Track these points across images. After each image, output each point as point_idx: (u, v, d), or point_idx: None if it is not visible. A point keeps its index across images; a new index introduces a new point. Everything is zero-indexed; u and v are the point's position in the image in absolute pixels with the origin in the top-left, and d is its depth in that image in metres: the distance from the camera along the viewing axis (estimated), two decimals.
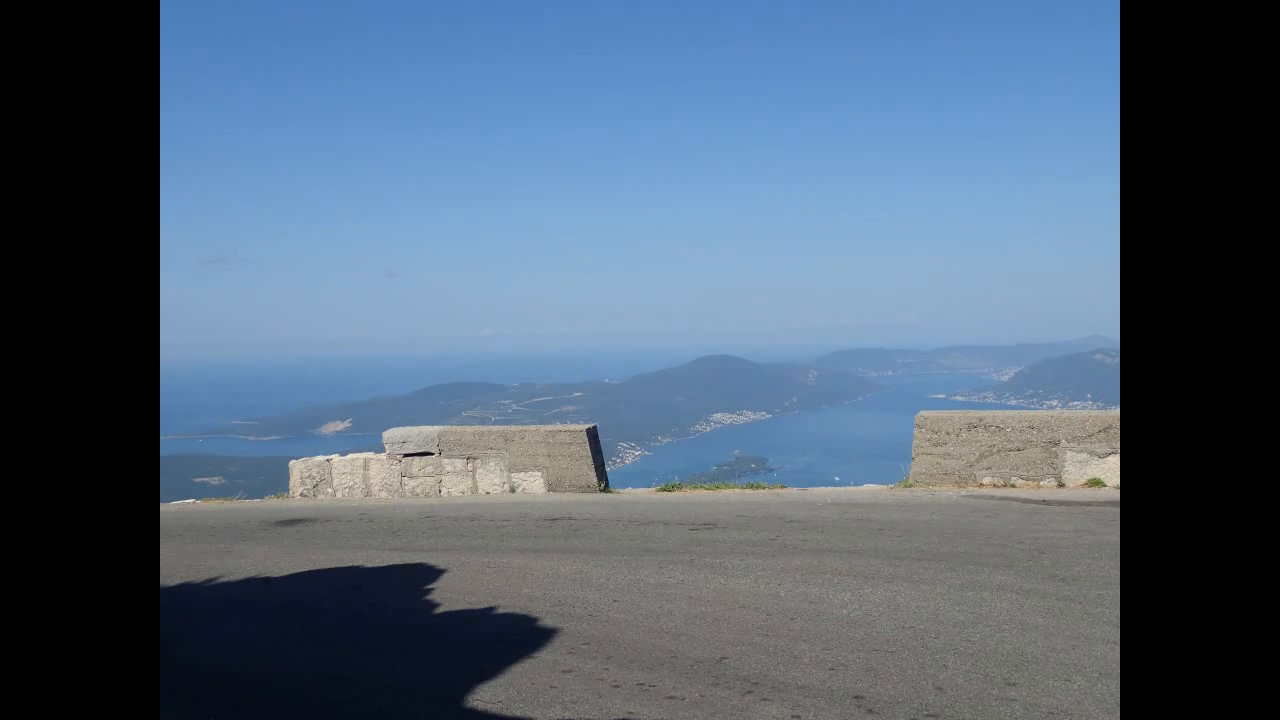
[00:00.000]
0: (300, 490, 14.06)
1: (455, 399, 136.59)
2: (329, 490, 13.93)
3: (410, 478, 13.66)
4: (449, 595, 7.13)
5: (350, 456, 14.07)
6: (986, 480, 11.66)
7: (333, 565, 8.46)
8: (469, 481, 13.51)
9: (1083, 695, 4.65)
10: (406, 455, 13.67)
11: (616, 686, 5.01)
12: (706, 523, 9.70)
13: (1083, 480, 11.25)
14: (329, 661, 5.66)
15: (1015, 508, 10.05)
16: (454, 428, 14.07)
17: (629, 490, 13.63)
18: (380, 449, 13.95)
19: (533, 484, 13.29)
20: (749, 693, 4.84)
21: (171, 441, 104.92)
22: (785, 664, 5.24)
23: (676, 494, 12.64)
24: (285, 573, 8.26)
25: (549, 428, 13.75)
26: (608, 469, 13.80)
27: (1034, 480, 11.50)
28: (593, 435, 13.38)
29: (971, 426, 11.84)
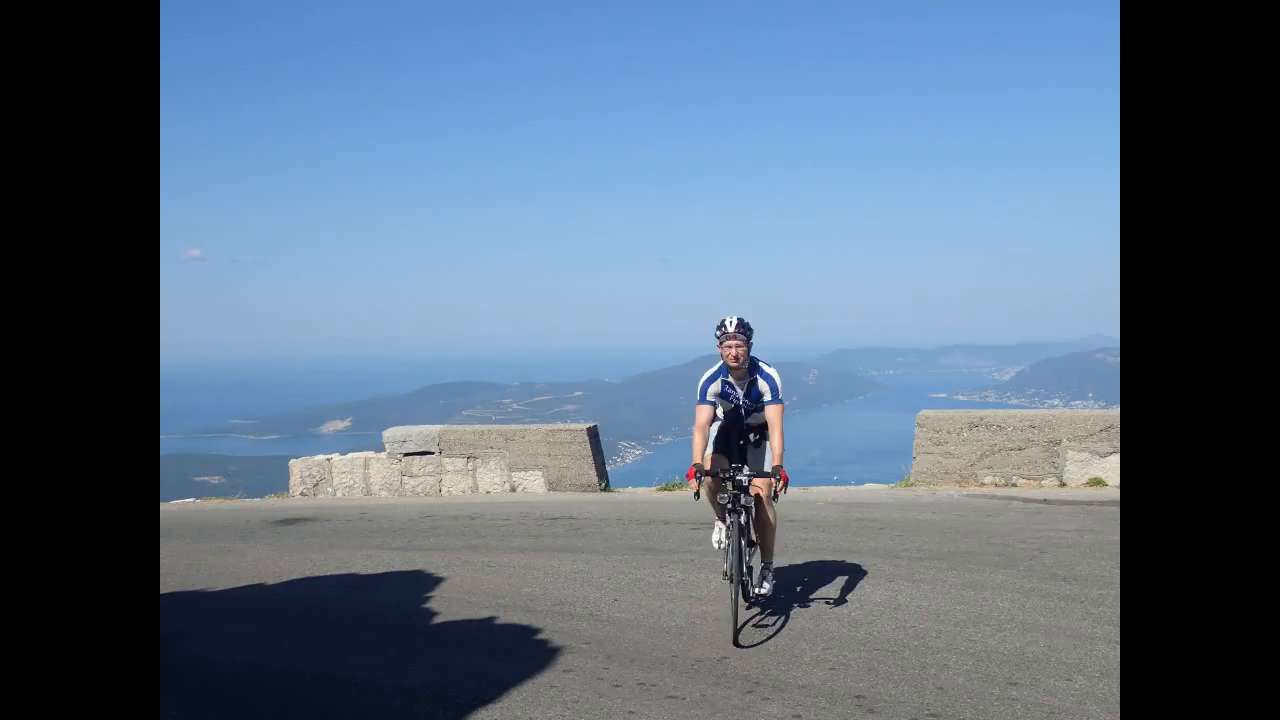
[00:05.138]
0: (300, 489, 14.05)
1: (455, 398, 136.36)
2: (329, 489, 13.93)
3: (410, 477, 13.66)
4: (449, 594, 7.12)
5: (350, 456, 14.06)
6: (988, 479, 11.65)
7: (333, 564, 8.45)
8: (469, 481, 13.50)
9: (1084, 695, 4.64)
10: (407, 454, 13.67)
11: (617, 686, 5.00)
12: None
13: (1084, 480, 11.24)
14: (329, 661, 5.65)
15: (1016, 507, 10.04)
16: (454, 427, 14.07)
17: (630, 489, 13.63)
18: (380, 448, 13.94)
19: (533, 483, 13.29)
20: (750, 692, 4.84)
21: (171, 440, 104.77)
22: (786, 663, 5.24)
23: (677, 493, 12.63)
24: (285, 572, 8.26)
25: (549, 427, 13.75)
26: (608, 468, 13.80)
27: (1035, 479, 11.49)
28: (593, 434, 13.37)
29: (973, 426, 11.84)
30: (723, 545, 6.14)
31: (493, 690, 4.99)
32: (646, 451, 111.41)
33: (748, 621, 5.97)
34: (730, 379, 6.08)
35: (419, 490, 13.61)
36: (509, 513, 11.13)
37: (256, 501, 14.16)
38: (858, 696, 4.70)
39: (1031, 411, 12.42)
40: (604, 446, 13.74)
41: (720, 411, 6.22)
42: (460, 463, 13.55)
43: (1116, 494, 10.39)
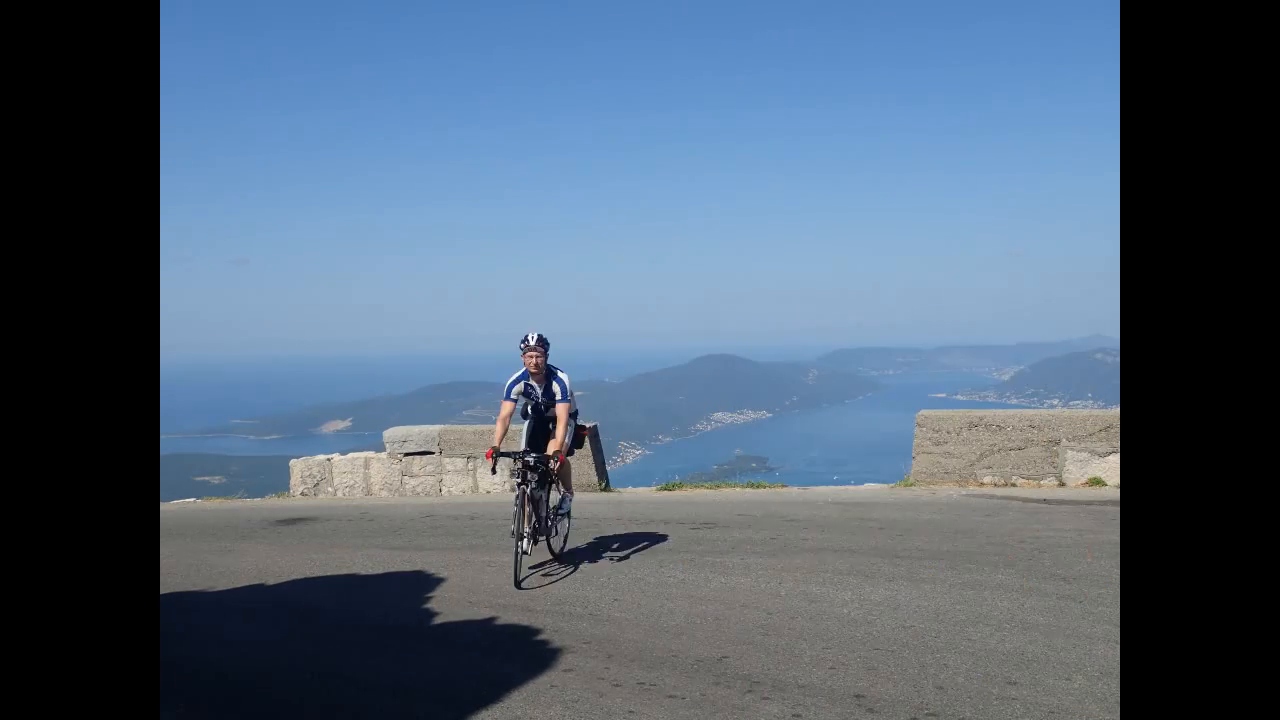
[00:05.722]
0: (301, 489, 14.06)
1: (455, 398, 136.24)
2: (329, 489, 13.93)
3: (411, 477, 13.67)
4: (449, 594, 7.13)
5: (351, 456, 14.07)
6: (987, 479, 11.65)
7: (333, 564, 8.46)
8: (470, 480, 13.51)
9: (1083, 694, 4.64)
10: (407, 454, 13.68)
11: (617, 685, 5.00)
12: (707, 522, 9.70)
13: (1083, 479, 11.25)
14: (329, 661, 5.66)
15: (1016, 507, 10.05)
16: (455, 427, 14.08)
17: (630, 489, 13.63)
18: (381, 448, 13.95)
19: None
20: (750, 691, 4.84)
21: (172, 440, 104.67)
22: (786, 663, 5.24)
23: (677, 493, 12.64)
24: (286, 572, 8.26)
25: None
26: (608, 468, 13.81)
27: (1035, 479, 11.49)
28: (594, 434, 13.38)
29: (972, 426, 11.84)
30: (514, 525, 7.43)
31: (493, 690, 4.99)
32: (646, 451, 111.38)
33: (534, 572, 7.55)
34: (531, 381, 7.72)
35: (419, 490, 13.62)
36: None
37: (257, 501, 14.16)
38: (857, 696, 4.71)
39: (1031, 411, 12.43)
40: (604, 446, 13.74)
41: (529, 410, 7.87)
42: (460, 463, 13.55)
43: (1116, 494, 10.39)
